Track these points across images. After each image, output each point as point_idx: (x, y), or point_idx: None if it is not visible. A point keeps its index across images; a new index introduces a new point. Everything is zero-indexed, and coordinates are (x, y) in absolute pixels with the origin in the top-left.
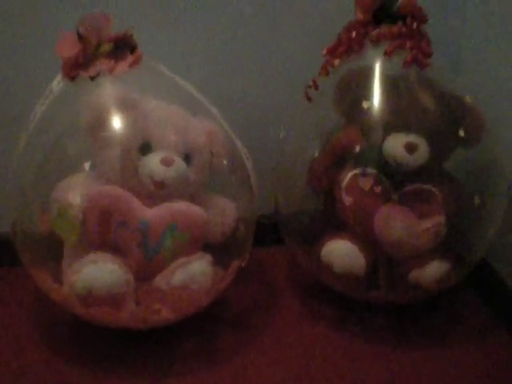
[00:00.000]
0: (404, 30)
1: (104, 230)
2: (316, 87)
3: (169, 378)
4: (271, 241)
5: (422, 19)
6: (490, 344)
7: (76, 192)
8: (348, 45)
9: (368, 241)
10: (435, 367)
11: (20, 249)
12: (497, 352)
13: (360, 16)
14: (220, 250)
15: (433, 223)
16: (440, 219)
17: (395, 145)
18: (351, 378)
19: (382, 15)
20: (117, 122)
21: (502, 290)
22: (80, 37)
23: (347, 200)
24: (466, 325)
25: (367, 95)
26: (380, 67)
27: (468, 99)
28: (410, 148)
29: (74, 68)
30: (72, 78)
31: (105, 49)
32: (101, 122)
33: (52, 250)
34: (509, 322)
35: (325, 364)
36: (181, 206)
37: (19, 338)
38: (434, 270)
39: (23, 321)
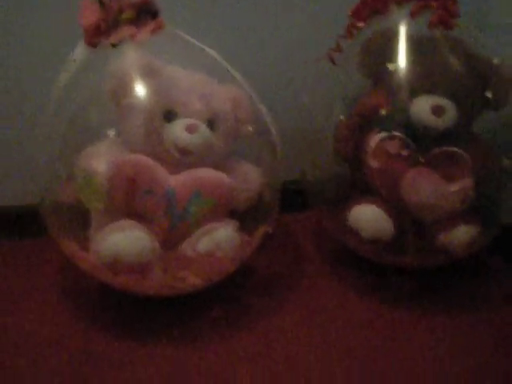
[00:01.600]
0: None
1: (129, 198)
2: (340, 50)
3: (196, 345)
4: (297, 207)
5: None
6: None
7: (101, 160)
8: (372, 6)
9: (395, 205)
10: (461, 333)
11: (47, 218)
12: None
13: None
14: (246, 216)
15: (461, 186)
16: (468, 182)
17: (422, 108)
18: (376, 343)
19: None
20: (140, 89)
21: None
22: (101, 4)
23: (374, 164)
24: (494, 291)
25: (393, 57)
26: (405, 28)
27: (496, 60)
28: (438, 111)
29: (96, 35)
30: (94, 46)
31: (126, 16)
32: (124, 89)
33: (78, 219)
34: None
35: (352, 329)
36: (206, 172)
37: (47, 307)
38: (462, 234)
39: (51, 290)
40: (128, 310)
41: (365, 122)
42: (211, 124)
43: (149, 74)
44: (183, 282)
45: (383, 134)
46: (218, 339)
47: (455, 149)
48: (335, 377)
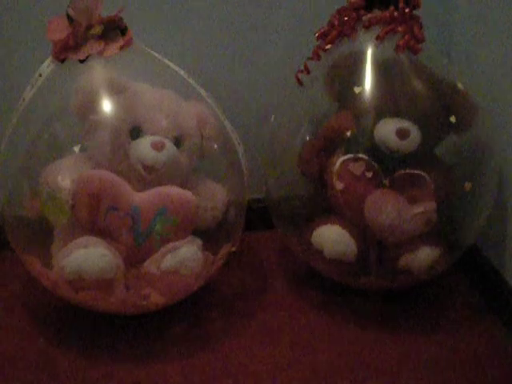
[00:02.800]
0: (396, 14)
1: (93, 215)
2: (307, 71)
3: (158, 363)
4: (262, 225)
5: (414, 4)
6: (479, 330)
7: (65, 175)
8: (340, 29)
9: (359, 226)
10: (424, 352)
11: (9, 233)
12: (486, 338)
13: (352, 0)
14: (210, 234)
15: (424, 208)
16: (431, 204)
17: (387, 130)
18: (340, 363)
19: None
20: (107, 106)
21: (493, 276)
22: (70, 19)
23: (338, 185)
24: (456, 310)
25: (359, 80)
26: (372, 52)
27: (460, 85)
28: (402, 134)
29: (64, 51)
30: (62, 61)
31: (95, 31)
32: (90, 106)
33: (41, 235)
34: (499, 308)
35: (314, 349)
36: (171, 190)
37: (7, 322)
38: (424, 256)
39: (12, 305)
40: (90, 327)
41: (330, 144)
42: (177, 141)
43: (116, 91)
44: (146, 299)
45: (348, 156)
46: (181, 357)
47: (418, 171)
48: None
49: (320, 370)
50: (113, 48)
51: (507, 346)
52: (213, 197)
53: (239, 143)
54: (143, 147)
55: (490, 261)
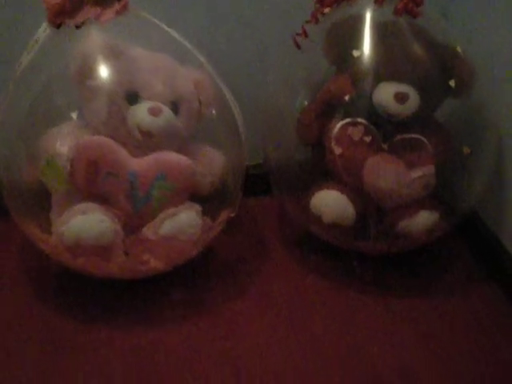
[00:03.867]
0: None
1: (91, 181)
2: (305, 35)
3: (157, 328)
4: (260, 191)
5: None
6: (477, 294)
7: (63, 142)
8: None
9: (357, 191)
10: (422, 316)
11: (8, 199)
12: (484, 302)
13: None
14: (209, 200)
15: (422, 173)
16: (430, 169)
17: (385, 94)
18: (338, 327)
19: None
20: (103, 71)
21: (491, 241)
22: None
23: (337, 150)
24: (455, 275)
25: (357, 44)
26: (371, 15)
27: (459, 49)
28: (401, 98)
29: (60, 15)
30: (57, 26)
31: None
32: (87, 71)
33: (40, 201)
34: (497, 273)
35: (313, 313)
36: (169, 156)
37: (7, 288)
38: (423, 220)
39: (12, 271)
40: (89, 293)
41: (328, 108)
42: (174, 107)
43: (112, 56)
44: (145, 265)
45: (346, 120)
46: (179, 322)
47: (417, 136)
48: (296, 361)
49: (317, 333)
50: (109, 13)
51: (505, 311)
52: (211, 163)
53: (237, 109)
54: (140, 112)
55: (489, 226)
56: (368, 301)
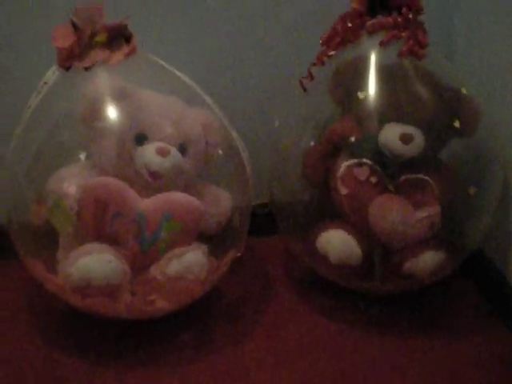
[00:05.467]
0: (400, 20)
1: (99, 221)
2: (311, 77)
3: (164, 369)
4: (266, 231)
5: (417, 9)
6: (484, 334)
7: (71, 182)
8: (343, 35)
9: (363, 231)
10: (429, 357)
11: (15, 239)
12: (491, 342)
13: (356, 6)
14: (215, 240)
15: (428, 213)
16: (435, 209)
17: (391, 135)
18: (345, 368)
19: (377, 5)
20: (112, 113)
21: (497, 279)
22: (75, 27)
23: (343, 190)
24: (461, 314)
25: (363, 85)
26: (376, 57)
27: (464, 90)
28: (406, 139)
29: (69, 58)
30: (67, 69)
31: (100, 39)
32: (96, 113)
33: (47, 241)
34: (504, 312)
35: (319, 354)
36: (176, 196)
37: (14, 328)
38: (428, 260)
39: (18, 311)
40: (96, 333)
41: (334, 149)
42: (182, 148)
43: (120, 98)
44: (152, 305)
45: (352, 161)
46: (186, 363)
47: (423, 176)
48: None
49: (325, 375)
50: (118, 56)
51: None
52: (217, 203)
53: (244, 149)
54: (148, 153)
55: (495, 264)
56: (375, 341)
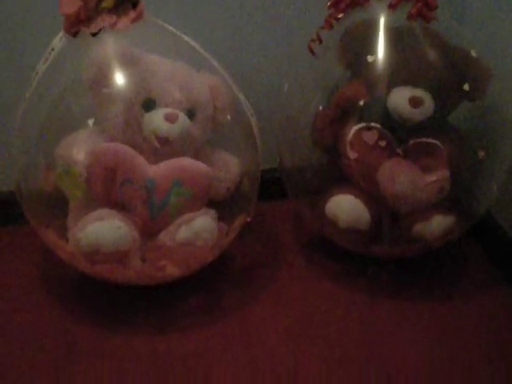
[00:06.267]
0: None
1: (108, 187)
2: (320, 41)
3: (174, 334)
4: (276, 195)
5: None
6: (492, 297)
7: (80, 149)
8: None
9: (372, 195)
10: (438, 320)
11: (25, 206)
12: (499, 306)
13: None
14: (224, 205)
15: (437, 177)
16: (444, 173)
17: (400, 99)
18: (354, 332)
19: None
20: (119, 78)
21: (507, 244)
22: None
23: (352, 154)
24: (470, 278)
25: (371, 49)
26: (384, 20)
27: (473, 53)
28: (415, 102)
29: (76, 24)
30: (74, 35)
31: (106, 4)
32: (103, 78)
33: (57, 207)
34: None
35: (329, 318)
36: (185, 162)
37: (26, 295)
38: (437, 224)
39: (30, 278)
40: (106, 299)
41: (343, 113)
42: (190, 113)
43: (128, 63)
44: (162, 271)
45: (361, 125)
46: (196, 327)
47: (432, 140)
48: (311, 365)
49: (334, 338)
50: (124, 21)
51: None
52: (226, 168)
53: (252, 114)
54: (156, 119)
55: (504, 228)
56: (383, 305)
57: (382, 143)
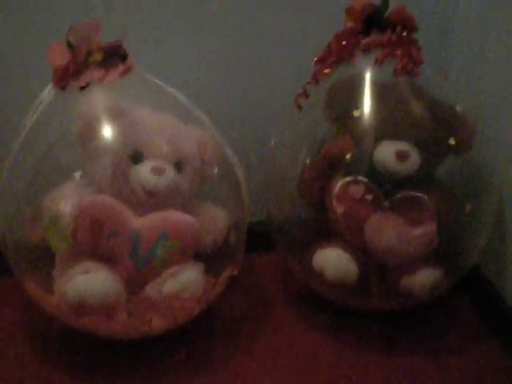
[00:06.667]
0: (394, 38)
1: (95, 240)
2: (306, 96)
3: None
4: (263, 248)
5: (411, 28)
6: (481, 352)
7: (67, 201)
8: (338, 54)
9: (360, 249)
10: (426, 374)
11: (10, 258)
12: (487, 360)
13: (350, 24)
14: (211, 258)
15: (425, 230)
16: (432, 226)
17: (386, 153)
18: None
19: (372, 24)
20: (107, 131)
21: (493, 296)
22: (70, 46)
23: (338, 208)
24: (458, 332)
25: (358, 103)
26: (370, 75)
27: (458, 108)
28: (401, 156)
29: (65, 77)
30: (62, 88)
31: (95, 58)
32: (91, 132)
33: (43, 260)
34: (500, 330)
35: (317, 372)
36: (172, 214)
37: (9, 347)
38: (425, 278)
39: (14, 331)
40: (92, 353)
41: (330, 167)
42: (178, 166)
43: (116, 116)
44: (148, 324)
45: (347, 179)
46: (184, 382)
47: (418, 193)
48: None
49: None
50: (113, 75)
51: (507, 367)
52: (213, 220)
53: (239, 167)
54: (144, 172)
55: (491, 281)
56: (372, 358)
57: (369, 197)
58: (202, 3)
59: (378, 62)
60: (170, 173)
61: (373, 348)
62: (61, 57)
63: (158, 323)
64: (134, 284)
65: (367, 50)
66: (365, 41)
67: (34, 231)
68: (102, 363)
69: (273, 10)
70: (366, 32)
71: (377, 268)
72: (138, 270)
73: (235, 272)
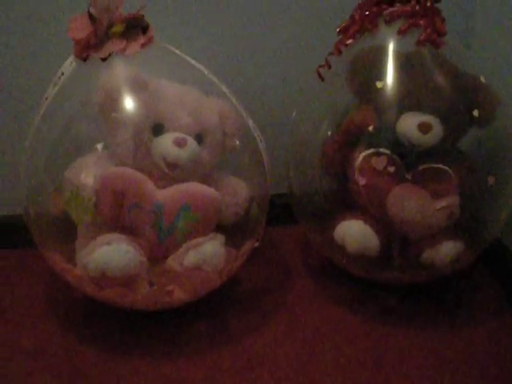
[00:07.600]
0: (418, 8)
1: (117, 212)
2: (329, 67)
3: (181, 359)
4: (284, 220)
5: None
6: (502, 324)
7: (89, 173)
8: (361, 24)
9: (381, 221)
10: (448, 347)
11: (33, 230)
12: (509, 332)
13: None
14: (233, 230)
15: (447, 203)
16: (454, 199)
17: (409, 125)
18: (363, 358)
19: None
20: (129, 103)
21: None
22: (91, 18)
23: (361, 180)
24: (479, 304)
25: (380, 75)
26: (393, 46)
27: (482, 79)
28: (424, 128)
29: (86, 49)
30: (84, 59)
31: (116, 29)
32: (112, 103)
33: (65, 231)
34: None
35: (337, 344)
36: (193, 186)
37: (33, 319)
38: (447, 250)
39: (37, 302)
40: (114, 324)
41: (352, 139)
42: (199, 138)
43: (137, 88)
44: (169, 296)
45: (370, 151)
46: (203, 354)
47: (441, 166)
48: None
49: (343, 365)
50: (134, 46)
51: None
52: (235, 193)
53: (261, 139)
54: (165, 144)
55: None
56: (392, 331)
57: (391, 169)
58: None
59: (401, 33)
60: (192, 145)
61: (394, 321)
62: (82, 29)
63: (179, 294)
64: (156, 256)
65: (390, 20)
66: (388, 11)
67: (56, 203)
68: (123, 334)
69: None
70: (390, 2)
71: (398, 240)
72: (160, 242)
73: (256, 244)
